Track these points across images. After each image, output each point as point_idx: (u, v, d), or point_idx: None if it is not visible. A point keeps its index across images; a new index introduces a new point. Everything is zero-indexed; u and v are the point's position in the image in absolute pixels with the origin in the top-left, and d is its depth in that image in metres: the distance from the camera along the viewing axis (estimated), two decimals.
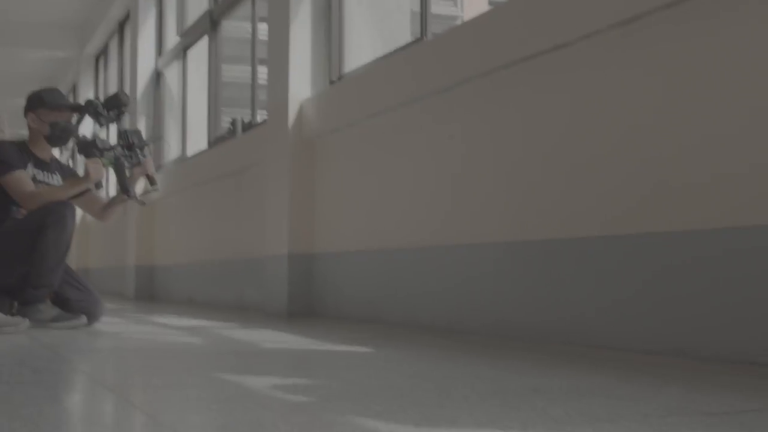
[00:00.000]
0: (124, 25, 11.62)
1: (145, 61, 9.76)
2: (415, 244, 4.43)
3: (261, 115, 7.00)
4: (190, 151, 8.61)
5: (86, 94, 13.59)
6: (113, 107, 4.58)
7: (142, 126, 9.27)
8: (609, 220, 3.18)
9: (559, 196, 3.44)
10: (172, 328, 4.63)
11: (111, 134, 9.16)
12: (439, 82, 4.25)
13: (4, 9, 11.95)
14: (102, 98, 4.77)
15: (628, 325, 3.06)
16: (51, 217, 4.27)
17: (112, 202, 4.77)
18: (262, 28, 7.11)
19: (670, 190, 2.94)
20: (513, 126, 3.73)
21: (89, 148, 4.47)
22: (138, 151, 4.60)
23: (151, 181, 4.62)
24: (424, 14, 4.74)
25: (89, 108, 4.57)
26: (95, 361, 3.08)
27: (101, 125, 4.68)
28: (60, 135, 4.61)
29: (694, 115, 2.86)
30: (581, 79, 3.35)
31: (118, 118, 4.65)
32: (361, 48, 5.66)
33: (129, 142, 4.60)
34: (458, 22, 29.73)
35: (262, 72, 7.08)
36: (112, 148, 4.53)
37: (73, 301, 4.46)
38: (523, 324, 3.59)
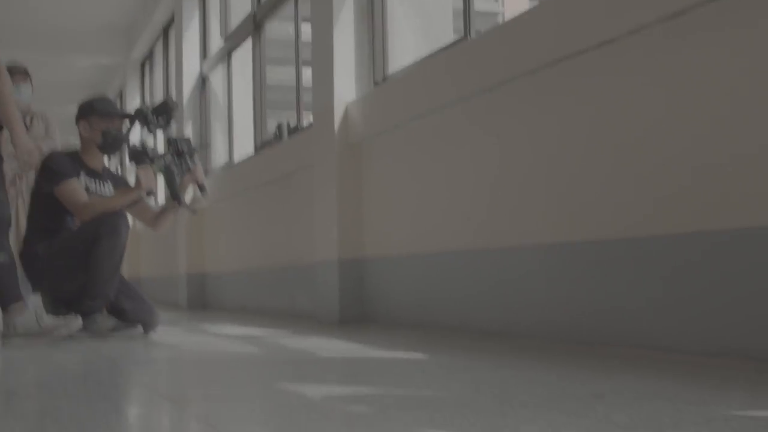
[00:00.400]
0: (168, 30, 11.73)
1: (190, 65, 9.83)
2: (465, 246, 4.41)
3: (306, 118, 7.02)
4: (237, 156, 8.66)
5: (133, 99, 13.74)
6: (162, 114, 4.62)
7: (189, 131, 9.35)
8: (662, 219, 3.14)
9: (609, 195, 3.40)
10: (227, 337, 4.66)
11: (158, 141, 9.24)
12: (482, 82, 4.22)
13: (51, 17, 12.11)
14: (150, 104, 4.80)
15: (688, 326, 3.01)
16: (104, 228, 4.32)
17: (163, 211, 4.81)
18: (306, 29, 7.14)
19: (720, 188, 2.89)
20: (556, 126, 3.70)
21: (140, 156, 4.52)
22: (187, 158, 4.64)
23: (200, 188, 4.65)
24: (467, 13, 4.71)
25: (139, 115, 4.62)
26: (154, 372, 3.11)
27: (151, 132, 4.72)
28: (111, 143, 4.65)
29: (741, 114, 2.82)
30: (621, 79, 3.32)
31: (167, 125, 4.69)
32: (405, 48, 5.64)
33: (178, 149, 4.63)
34: (499, 18, 29.48)
35: (307, 74, 7.11)
36: (162, 156, 4.57)
37: (129, 311, 4.51)
38: (577, 326, 3.56)
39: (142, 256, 12.24)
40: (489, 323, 4.18)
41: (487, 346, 3.50)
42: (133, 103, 13.49)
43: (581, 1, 3.58)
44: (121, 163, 13.59)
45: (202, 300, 9.23)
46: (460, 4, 4.82)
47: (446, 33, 5.65)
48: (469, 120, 4.40)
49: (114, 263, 4.35)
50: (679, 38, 3.10)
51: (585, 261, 3.53)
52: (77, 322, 4.13)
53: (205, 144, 8.44)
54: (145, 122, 4.59)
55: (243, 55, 8.69)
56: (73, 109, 4.75)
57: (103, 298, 4.37)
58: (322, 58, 5.74)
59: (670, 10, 3.08)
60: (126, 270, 4.51)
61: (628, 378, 2.44)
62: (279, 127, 7.15)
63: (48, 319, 4.06)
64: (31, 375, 3.04)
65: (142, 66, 13.61)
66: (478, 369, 2.76)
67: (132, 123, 4.72)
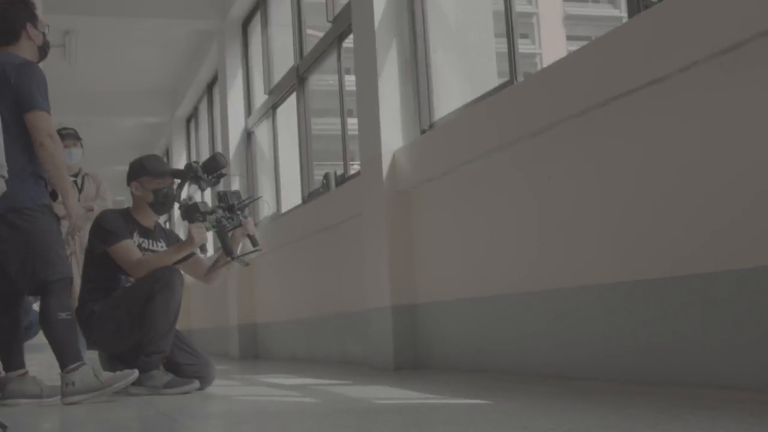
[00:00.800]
0: (212, 87, 11.91)
1: (235, 121, 9.95)
2: (518, 289, 4.37)
3: (353, 167, 7.05)
4: (285, 207, 8.71)
5: (179, 156, 13.92)
6: (212, 170, 4.66)
7: (237, 185, 9.43)
8: (728, 255, 3.08)
9: (658, 233, 3.35)
10: (282, 387, 4.64)
11: (203, 196, 9.34)
12: (528, 126, 4.21)
13: (99, 82, 12.39)
14: (198, 160, 4.85)
15: (758, 364, 2.94)
16: (159, 284, 4.34)
17: (216, 265, 4.82)
18: (347, 79, 7.20)
19: None
20: (605, 167, 3.67)
21: (192, 212, 4.55)
22: (238, 212, 4.66)
23: (253, 241, 4.67)
24: (512, 56, 4.71)
25: (189, 173, 4.65)
26: (212, 427, 3.09)
27: (202, 189, 4.75)
28: (163, 201, 4.71)
29: None
30: (670, 117, 3.28)
31: (217, 181, 4.72)
32: (450, 94, 5.65)
33: (229, 203, 4.66)
34: (537, 60, 29.57)
35: (351, 123, 7.15)
36: (213, 211, 4.59)
37: (185, 366, 4.50)
38: (634, 365, 3.49)
39: (192, 308, 12.31)
40: (545, 366, 4.11)
41: (547, 390, 3.44)
42: (179, 160, 13.67)
43: (628, 40, 3.57)
44: (170, 219, 13.73)
45: (254, 350, 9.24)
46: (503, 47, 4.83)
47: (490, 76, 5.66)
48: (516, 164, 4.38)
49: (169, 319, 4.37)
50: (728, 74, 3.06)
51: (639, 300, 3.47)
52: (134, 374, 4.13)
53: (254, 197, 8.52)
54: (196, 179, 4.63)
55: (287, 107, 8.77)
56: (120, 169, 4.81)
57: (159, 353, 4.37)
58: (368, 107, 5.77)
59: (721, 46, 3.05)
60: (178, 322, 4.52)
61: (698, 418, 2.38)
62: (326, 177, 7.18)
63: (106, 375, 4.07)
64: (89, 431, 3.05)
65: (188, 123, 13.81)
66: (543, 414, 2.71)
67: (183, 180, 4.76)
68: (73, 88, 11.88)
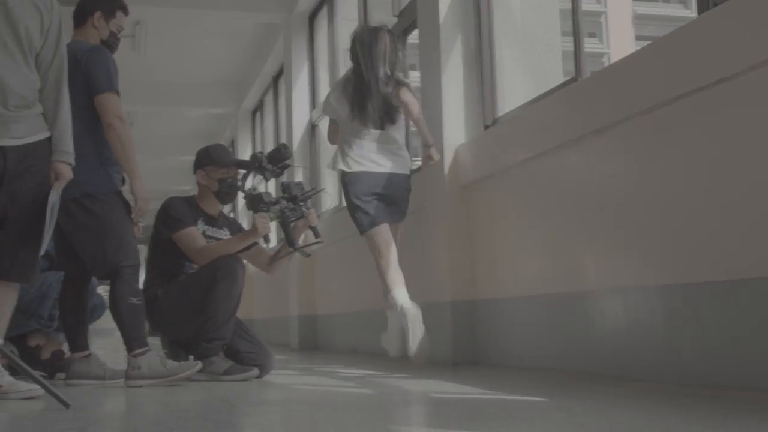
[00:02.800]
0: (278, 80, 12.00)
1: (300, 113, 10.02)
2: (579, 287, 4.33)
3: (414, 162, 7.04)
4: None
5: (244, 147, 14.06)
6: (277, 161, 4.71)
7: (300, 177, 9.50)
8: None
9: (729, 234, 3.29)
10: (340, 378, 4.67)
11: (267, 186, 9.41)
12: (595, 122, 4.17)
13: (168, 72, 12.56)
14: (263, 151, 4.91)
15: None
16: (221, 272, 4.41)
17: (277, 255, 4.88)
18: (411, 75, 7.19)
19: None
20: (674, 165, 3.62)
21: (256, 202, 4.60)
22: (301, 204, 4.71)
23: (315, 233, 4.71)
24: (578, 53, 4.67)
25: (254, 163, 4.71)
26: (271, 414, 3.12)
27: (266, 180, 4.80)
28: (228, 191, 4.77)
29: None
30: (743, 114, 3.22)
31: (281, 172, 4.77)
32: (514, 90, 5.62)
33: (292, 195, 4.70)
34: (604, 59, 29.16)
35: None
36: (277, 201, 4.64)
37: (244, 354, 4.56)
38: (697, 368, 3.44)
39: (254, 298, 12.42)
40: (604, 365, 4.07)
41: (606, 390, 3.41)
42: (244, 152, 13.81)
43: (696, 38, 3.51)
44: (234, 208, 13.88)
45: (313, 341, 9.30)
46: (569, 46, 4.79)
47: (556, 75, 5.61)
48: (580, 161, 4.34)
49: (230, 307, 4.43)
50: None
51: (703, 302, 3.42)
52: (198, 366, 4.21)
53: (317, 189, 8.58)
54: (261, 169, 4.68)
55: None
56: (187, 158, 4.89)
57: (220, 340, 4.43)
58: (432, 102, 5.77)
59: None
60: (239, 311, 4.58)
61: (759, 421, 2.34)
62: None
63: (171, 364, 4.15)
64: (151, 414, 3.11)
65: (253, 115, 13.94)
66: (603, 413, 2.69)
67: (247, 170, 4.82)
68: (141, 78, 12.06)
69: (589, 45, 28.64)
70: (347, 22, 9.05)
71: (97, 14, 4.39)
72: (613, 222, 4.07)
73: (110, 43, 4.46)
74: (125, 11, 4.57)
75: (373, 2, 8.21)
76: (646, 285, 3.79)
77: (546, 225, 4.67)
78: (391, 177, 4.86)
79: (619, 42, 33.41)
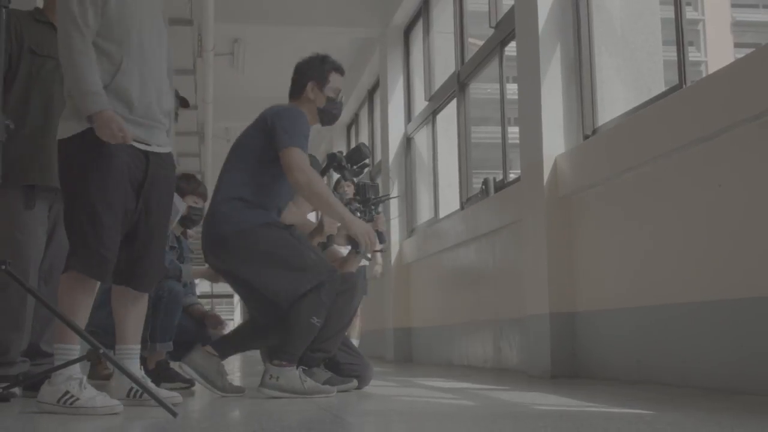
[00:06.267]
0: (373, 94, 12.08)
1: (395, 127, 10.06)
2: (681, 299, 4.23)
3: (511, 174, 7.01)
4: (443, 212, 8.74)
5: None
6: (356, 161, 4.69)
7: (395, 190, 9.54)
8: None
9: None
10: (438, 390, 4.65)
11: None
12: (700, 130, 4.07)
13: (265, 89, 12.73)
14: (342, 151, 4.90)
15: None
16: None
17: (347, 257, 4.87)
18: (508, 88, 7.16)
19: None
20: None
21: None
22: (372, 207, 4.69)
23: (380, 238, 4.56)
24: (682, 62, 4.59)
25: (333, 161, 4.71)
26: (372, 424, 3.13)
27: (345, 179, 4.80)
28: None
29: None
30: None
31: (360, 171, 4.74)
32: (614, 99, 5.54)
33: (365, 196, 4.69)
34: (701, 68, 28.48)
35: (510, 131, 7.11)
36: (348, 202, 4.62)
37: (344, 365, 4.54)
38: None
39: None
40: (709, 378, 3.96)
41: (712, 404, 3.31)
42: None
43: None
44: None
45: (408, 353, 9.30)
46: (671, 55, 4.70)
47: (657, 83, 5.51)
48: (684, 170, 4.25)
49: (343, 322, 4.33)
50: None
51: None
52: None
53: (391, 194, 8.55)
54: (340, 168, 4.68)
55: (446, 114, 8.81)
56: None
57: (324, 353, 4.35)
58: (531, 111, 5.73)
59: None
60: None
61: None
62: (485, 182, 7.16)
63: (309, 384, 4.01)
64: (255, 424, 3.13)
65: (348, 129, 14.05)
66: (709, 428, 2.61)
67: (326, 169, 4.81)
68: (239, 95, 12.29)
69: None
70: (443, 35, 9.07)
71: (310, 85, 4.30)
72: (719, 232, 3.96)
73: (332, 112, 4.37)
74: (340, 72, 4.43)
75: (470, 15, 8.21)
76: (754, 296, 3.68)
77: (648, 235, 4.58)
78: None
79: (717, 50, 32.63)
